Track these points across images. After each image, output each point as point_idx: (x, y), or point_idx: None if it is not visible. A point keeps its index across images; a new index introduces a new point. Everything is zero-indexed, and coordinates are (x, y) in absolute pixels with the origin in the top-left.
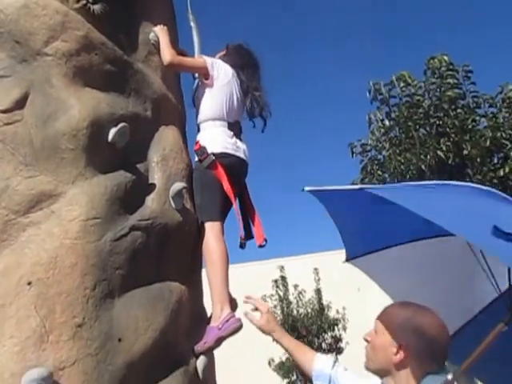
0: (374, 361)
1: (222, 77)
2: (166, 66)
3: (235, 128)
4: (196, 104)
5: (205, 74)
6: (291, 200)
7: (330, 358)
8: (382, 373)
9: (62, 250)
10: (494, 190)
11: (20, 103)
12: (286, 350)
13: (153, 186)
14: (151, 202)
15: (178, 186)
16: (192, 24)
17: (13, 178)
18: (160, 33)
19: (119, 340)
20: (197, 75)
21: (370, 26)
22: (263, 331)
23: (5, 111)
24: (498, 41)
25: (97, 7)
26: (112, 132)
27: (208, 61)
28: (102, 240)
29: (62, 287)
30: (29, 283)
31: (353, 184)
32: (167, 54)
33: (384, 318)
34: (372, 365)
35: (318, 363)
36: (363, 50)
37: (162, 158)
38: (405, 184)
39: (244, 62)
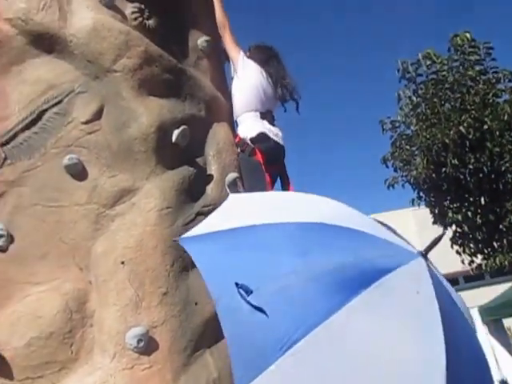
0: None
1: (250, 72)
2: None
3: (267, 116)
4: (231, 101)
5: (233, 61)
6: (324, 182)
7: None
8: None
9: (145, 236)
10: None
11: (97, 114)
12: None
13: (211, 176)
14: (210, 190)
15: (232, 176)
16: None
17: (99, 178)
18: None
19: (195, 304)
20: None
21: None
22: None
23: (86, 122)
24: None
25: (151, 22)
26: (175, 134)
27: (241, 55)
28: (175, 225)
29: (148, 265)
30: (122, 263)
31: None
32: (221, 20)
33: None
34: None
35: None
36: (391, 27)
37: (216, 152)
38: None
39: (267, 56)
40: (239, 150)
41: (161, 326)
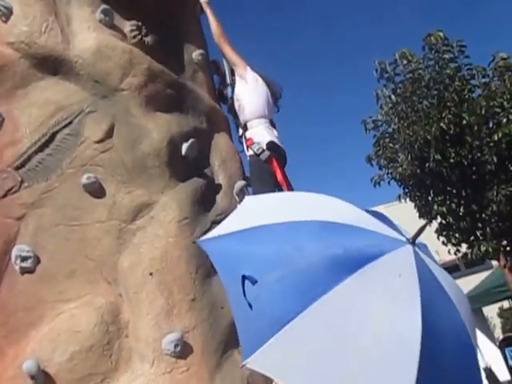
0: None
1: (260, 82)
2: (216, 39)
3: (272, 125)
4: (238, 106)
5: (238, 67)
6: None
7: None
8: None
9: (169, 247)
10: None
11: (109, 133)
12: None
13: (219, 186)
14: (220, 199)
15: (240, 184)
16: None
17: (117, 194)
18: (207, 9)
19: (221, 308)
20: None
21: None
22: None
23: (99, 141)
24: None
25: (149, 39)
26: (184, 147)
27: (248, 65)
28: (194, 235)
29: (175, 274)
30: (150, 274)
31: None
32: (217, 31)
33: None
34: None
35: None
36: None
37: (221, 162)
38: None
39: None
40: (253, 153)
41: (192, 331)
